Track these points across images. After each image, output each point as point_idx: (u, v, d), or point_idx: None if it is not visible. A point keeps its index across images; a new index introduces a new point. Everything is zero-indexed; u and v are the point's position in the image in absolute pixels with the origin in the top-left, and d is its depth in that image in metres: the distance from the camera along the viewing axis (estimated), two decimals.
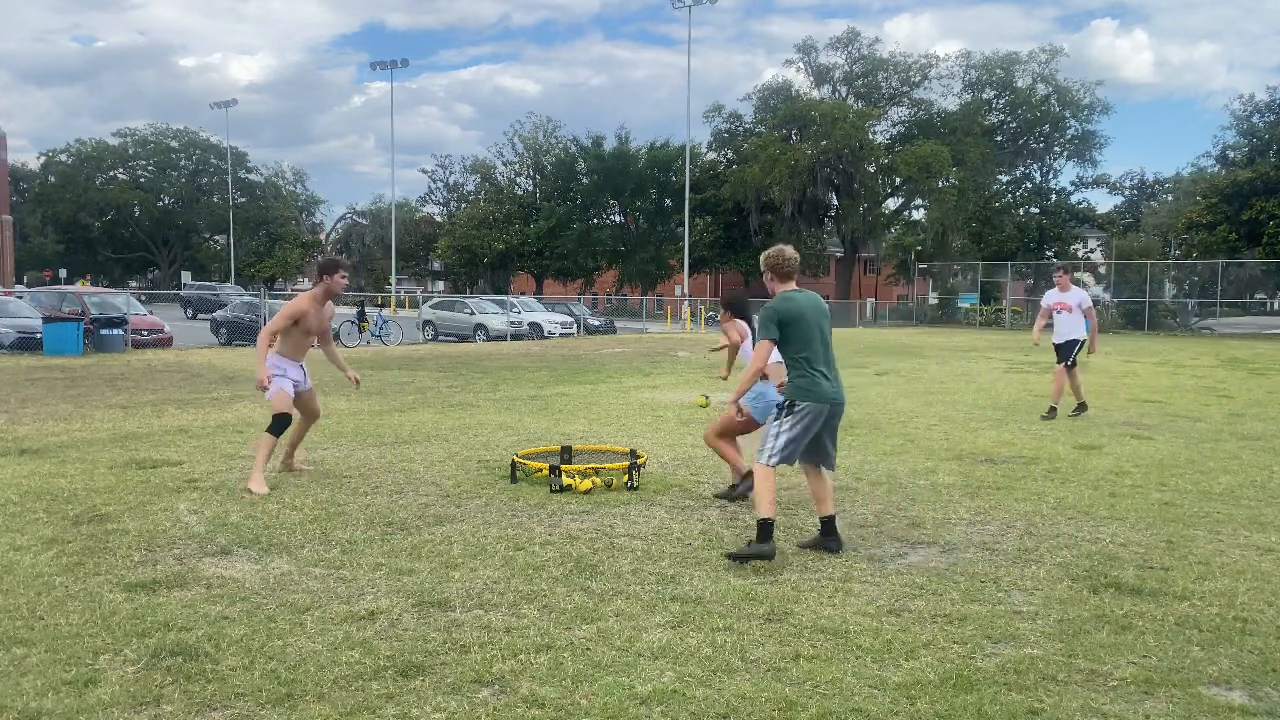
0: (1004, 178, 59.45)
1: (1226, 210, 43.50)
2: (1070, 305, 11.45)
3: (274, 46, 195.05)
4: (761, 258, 5.61)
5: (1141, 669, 3.77)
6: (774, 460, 5.22)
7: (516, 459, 7.32)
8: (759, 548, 5.10)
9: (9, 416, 10.35)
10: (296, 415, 7.26)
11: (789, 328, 5.26)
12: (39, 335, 19.70)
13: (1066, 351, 11.43)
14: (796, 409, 5.24)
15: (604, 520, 6.02)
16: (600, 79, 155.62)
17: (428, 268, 77.14)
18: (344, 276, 7.26)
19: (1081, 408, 11.38)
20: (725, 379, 7.43)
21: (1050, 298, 11.80)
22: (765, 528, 5.10)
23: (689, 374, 17.52)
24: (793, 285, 5.49)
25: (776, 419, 5.29)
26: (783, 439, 5.22)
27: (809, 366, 5.27)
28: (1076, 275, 52.40)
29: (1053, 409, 11.36)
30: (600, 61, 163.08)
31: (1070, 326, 11.47)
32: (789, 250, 5.58)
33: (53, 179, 78.41)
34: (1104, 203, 79.22)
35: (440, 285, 76.87)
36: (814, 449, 5.39)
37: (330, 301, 7.30)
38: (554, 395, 13.46)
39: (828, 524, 5.44)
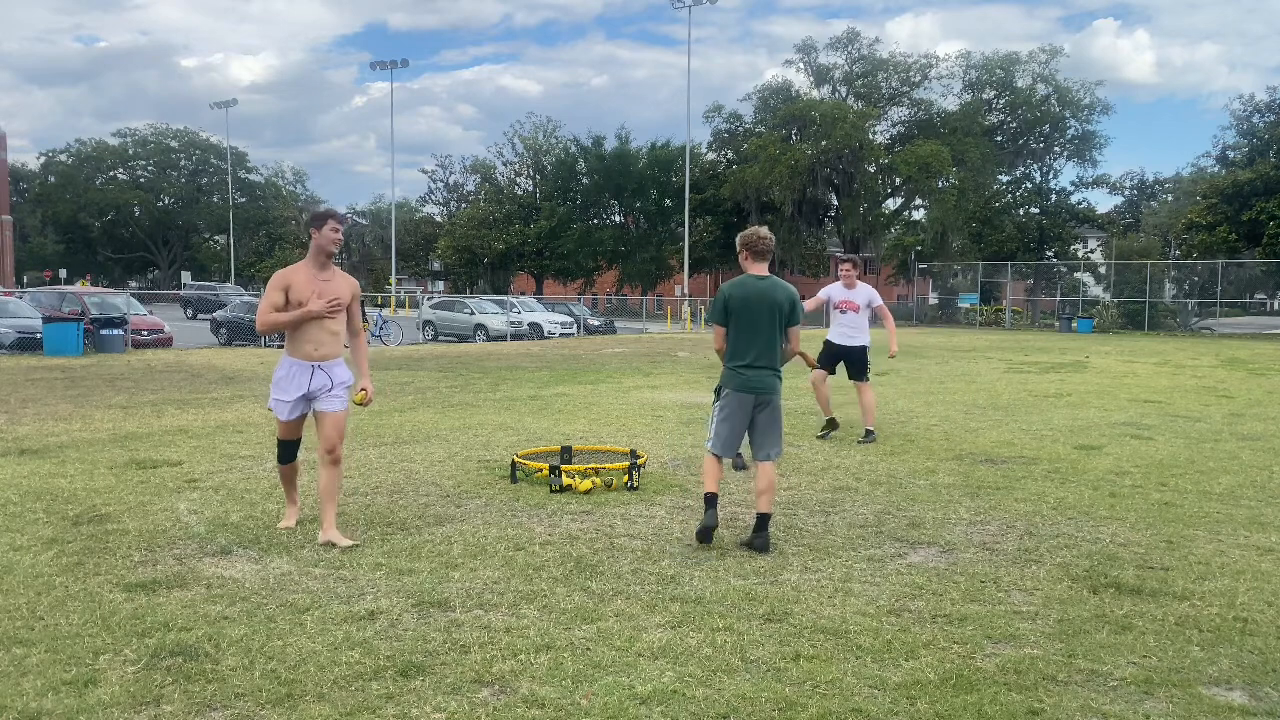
0: (1004, 178, 59.46)
1: (1226, 210, 43.48)
2: (858, 305, 9.57)
3: (276, 46, 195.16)
4: (739, 237, 5.67)
5: (1141, 669, 3.77)
6: (710, 445, 5.54)
7: (516, 459, 7.32)
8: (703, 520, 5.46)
9: (9, 416, 10.35)
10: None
11: (734, 315, 5.44)
12: (39, 335, 19.71)
13: (858, 365, 9.60)
14: (723, 396, 5.54)
15: (604, 520, 6.02)
16: (602, 79, 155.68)
17: (428, 268, 77.14)
18: (336, 230, 5.47)
19: (832, 424, 9.68)
20: None
21: (835, 293, 9.72)
22: (707, 499, 5.44)
23: (689, 374, 17.52)
24: (764, 268, 5.57)
25: (714, 404, 5.59)
26: (714, 425, 5.55)
27: (737, 355, 5.47)
28: (1078, 276, 52.26)
29: (833, 421, 9.67)
30: (602, 62, 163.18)
31: (856, 330, 9.58)
32: (764, 230, 5.61)
33: (53, 179, 78.46)
34: (1104, 203, 79.31)
35: (440, 285, 76.87)
36: (751, 439, 5.59)
37: (339, 275, 5.53)
38: (554, 395, 13.46)
39: (760, 520, 5.48)
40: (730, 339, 5.46)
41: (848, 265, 9.78)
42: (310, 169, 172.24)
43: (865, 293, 9.65)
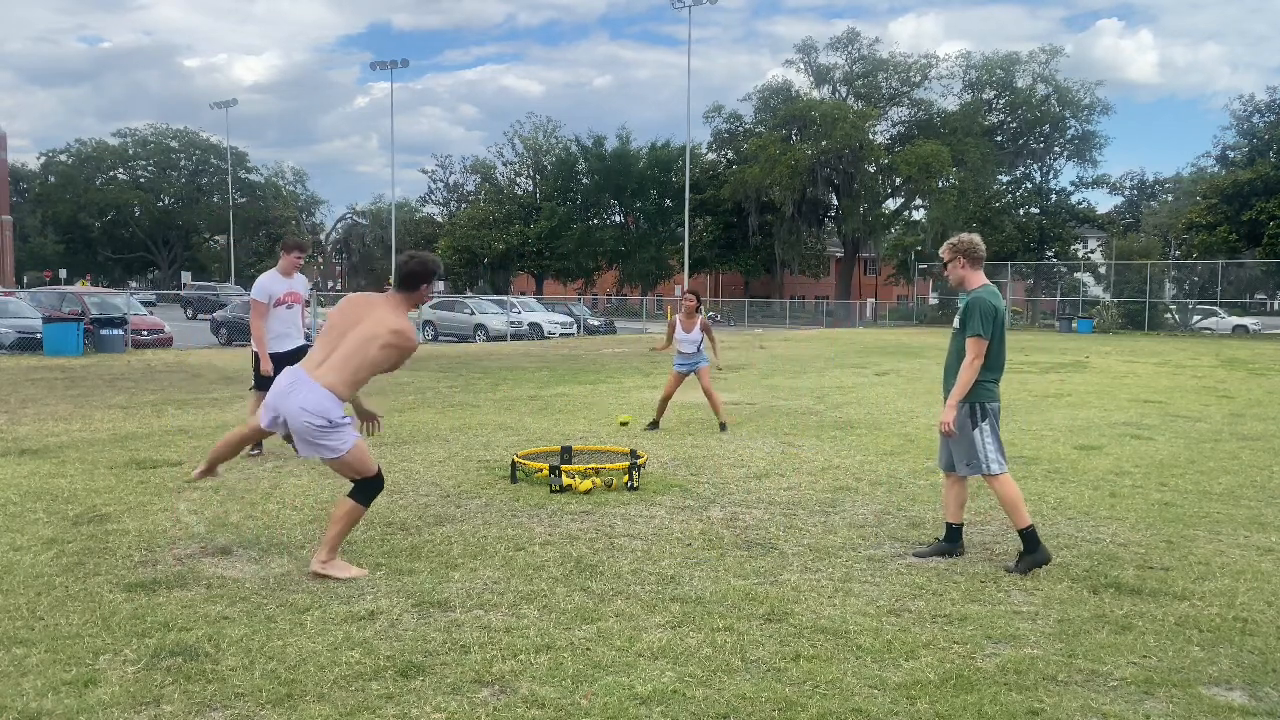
0: (1004, 178, 59.51)
1: (1226, 210, 43.50)
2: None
3: (279, 47, 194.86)
4: (953, 242, 5.36)
5: (1141, 669, 3.76)
6: (1000, 467, 5.18)
7: (516, 459, 7.32)
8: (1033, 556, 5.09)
9: (9, 416, 10.35)
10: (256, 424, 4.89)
11: (997, 328, 5.21)
12: (39, 335, 19.72)
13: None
14: (989, 411, 5.20)
15: (604, 520, 6.01)
16: (604, 79, 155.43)
17: None
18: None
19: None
20: None
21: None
22: (1032, 535, 5.12)
23: None
24: (982, 275, 5.37)
25: (975, 427, 5.19)
26: (991, 445, 5.17)
27: (997, 368, 5.26)
28: (1078, 276, 52.25)
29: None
30: (604, 62, 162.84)
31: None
32: (979, 238, 5.44)
33: (53, 179, 78.50)
34: (1104, 203, 79.30)
35: (440, 285, 76.86)
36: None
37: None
38: (554, 395, 13.45)
39: (954, 531, 5.37)
40: (994, 353, 5.20)
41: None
42: (311, 169, 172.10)
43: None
